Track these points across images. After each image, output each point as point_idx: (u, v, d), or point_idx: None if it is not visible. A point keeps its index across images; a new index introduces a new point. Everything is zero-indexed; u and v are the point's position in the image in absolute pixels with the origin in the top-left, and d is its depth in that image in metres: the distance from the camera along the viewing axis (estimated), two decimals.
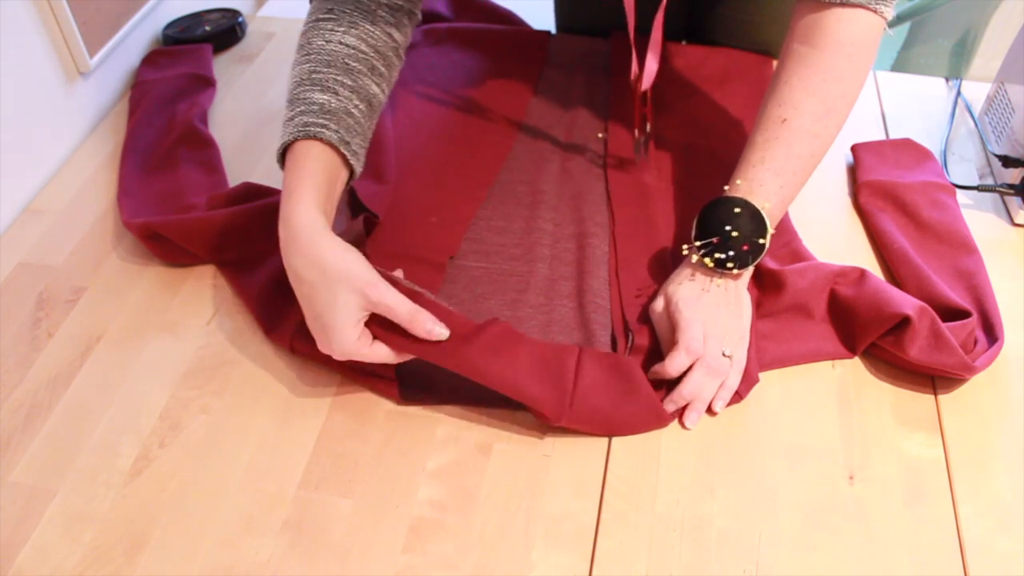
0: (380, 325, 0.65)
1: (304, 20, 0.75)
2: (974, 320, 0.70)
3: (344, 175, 0.71)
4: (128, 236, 0.84)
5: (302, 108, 0.69)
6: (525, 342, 0.66)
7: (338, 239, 0.64)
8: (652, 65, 0.81)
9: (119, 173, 0.91)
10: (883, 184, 0.85)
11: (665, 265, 0.78)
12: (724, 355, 0.67)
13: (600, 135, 0.94)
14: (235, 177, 0.90)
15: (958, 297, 0.72)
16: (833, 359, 0.72)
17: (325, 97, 0.69)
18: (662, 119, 0.96)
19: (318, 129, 0.67)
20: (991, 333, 0.71)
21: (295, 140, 0.68)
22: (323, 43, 0.72)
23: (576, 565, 0.59)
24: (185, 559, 0.60)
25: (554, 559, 0.59)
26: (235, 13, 1.14)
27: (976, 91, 1.00)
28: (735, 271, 0.70)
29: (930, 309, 0.68)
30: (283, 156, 0.69)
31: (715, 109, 0.97)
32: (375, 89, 0.73)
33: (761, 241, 0.70)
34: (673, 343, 0.68)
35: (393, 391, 0.69)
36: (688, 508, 0.62)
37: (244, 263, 0.80)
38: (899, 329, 0.68)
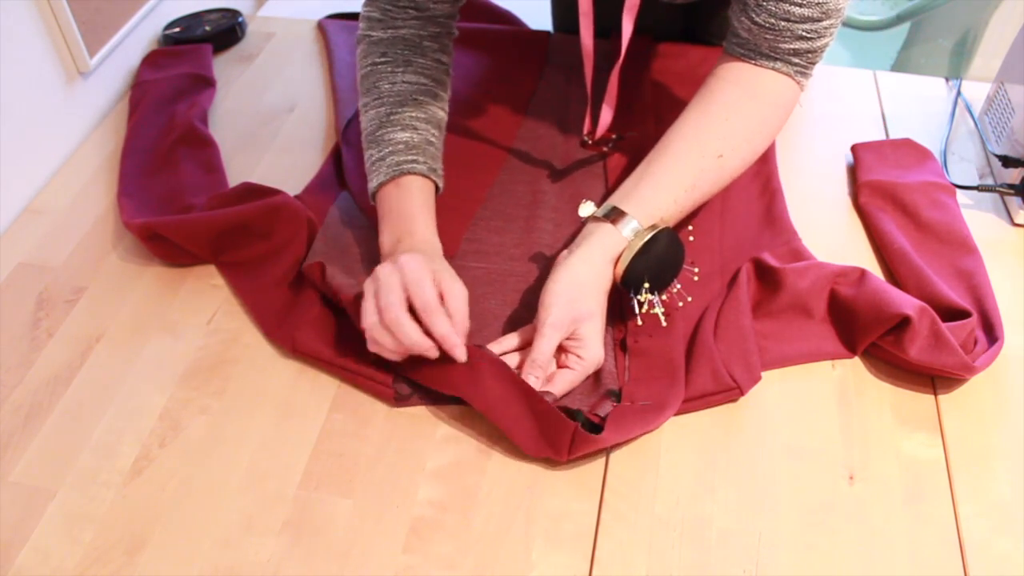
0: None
1: (359, 57, 0.83)
2: (974, 320, 0.70)
3: (433, 189, 0.79)
4: (128, 236, 0.84)
5: (390, 149, 0.77)
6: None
7: (415, 252, 0.70)
8: (607, 116, 0.84)
9: (119, 173, 0.91)
10: (883, 184, 0.85)
11: None
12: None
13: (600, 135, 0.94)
14: (235, 177, 0.90)
15: (958, 297, 0.72)
16: (833, 359, 0.72)
17: (407, 135, 0.78)
18: (662, 119, 0.95)
19: (410, 165, 0.76)
20: (991, 333, 0.71)
21: (392, 178, 0.76)
22: (389, 86, 0.80)
23: (576, 565, 0.59)
24: (185, 559, 0.60)
25: (554, 559, 0.59)
26: (235, 13, 1.14)
27: (976, 91, 1.00)
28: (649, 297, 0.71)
29: (930, 309, 0.68)
30: (376, 191, 0.77)
31: None
32: (441, 113, 0.82)
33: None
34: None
35: (388, 393, 0.69)
36: (688, 508, 0.62)
37: (244, 263, 0.80)
38: (899, 329, 0.68)
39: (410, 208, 0.75)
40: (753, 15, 0.72)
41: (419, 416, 0.68)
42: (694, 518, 0.62)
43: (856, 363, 0.72)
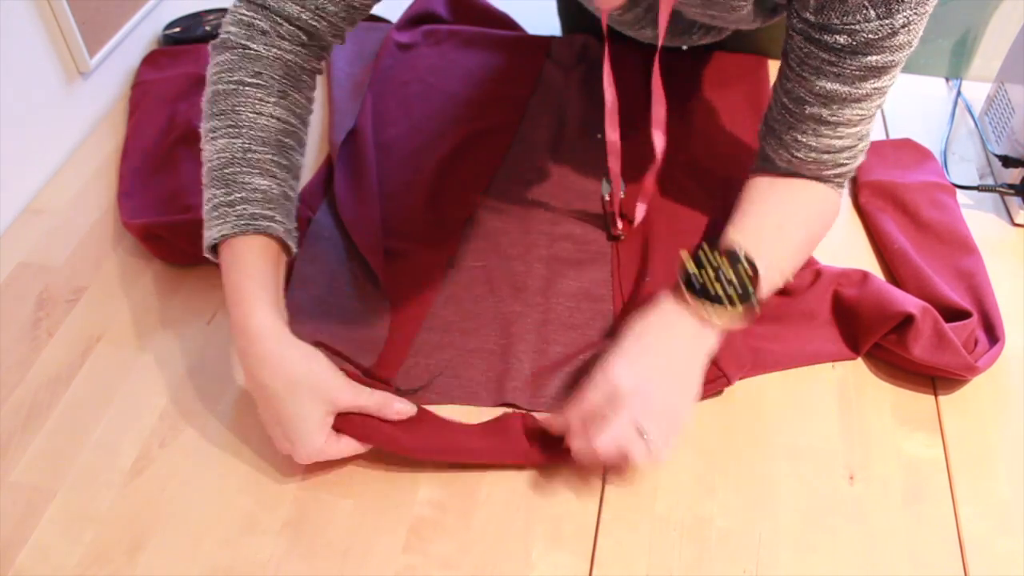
0: (342, 418, 0.64)
1: (218, 68, 0.69)
2: (975, 320, 0.70)
3: (285, 261, 0.68)
4: (128, 236, 0.84)
5: (243, 195, 0.65)
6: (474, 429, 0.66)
7: (301, 345, 0.63)
8: (640, 212, 0.81)
9: (119, 173, 0.91)
10: (883, 184, 0.85)
11: (667, 264, 0.78)
12: (638, 431, 0.60)
13: (599, 135, 0.94)
14: None
15: (958, 297, 0.72)
16: (836, 360, 0.72)
17: (266, 183, 0.66)
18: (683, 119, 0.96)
19: (266, 224, 0.65)
20: (992, 333, 0.71)
21: (244, 232, 0.64)
22: (254, 115, 0.68)
23: (576, 565, 0.59)
24: (185, 559, 0.60)
25: (554, 559, 0.59)
26: None
27: (976, 91, 1.00)
28: (723, 309, 0.63)
29: (932, 309, 0.68)
30: (217, 244, 0.65)
31: (715, 110, 0.96)
32: (300, 161, 0.72)
33: (750, 290, 0.64)
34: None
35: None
36: (688, 508, 0.62)
37: None
38: (902, 328, 0.68)
39: (251, 280, 0.63)
40: (794, 151, 0.71)
41: None
42: (694, 518, 0.62)
43: (856, 363, 0.72)
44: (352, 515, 0.62)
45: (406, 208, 0.85)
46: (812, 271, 0.75)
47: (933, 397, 0.69)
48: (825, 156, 0.71)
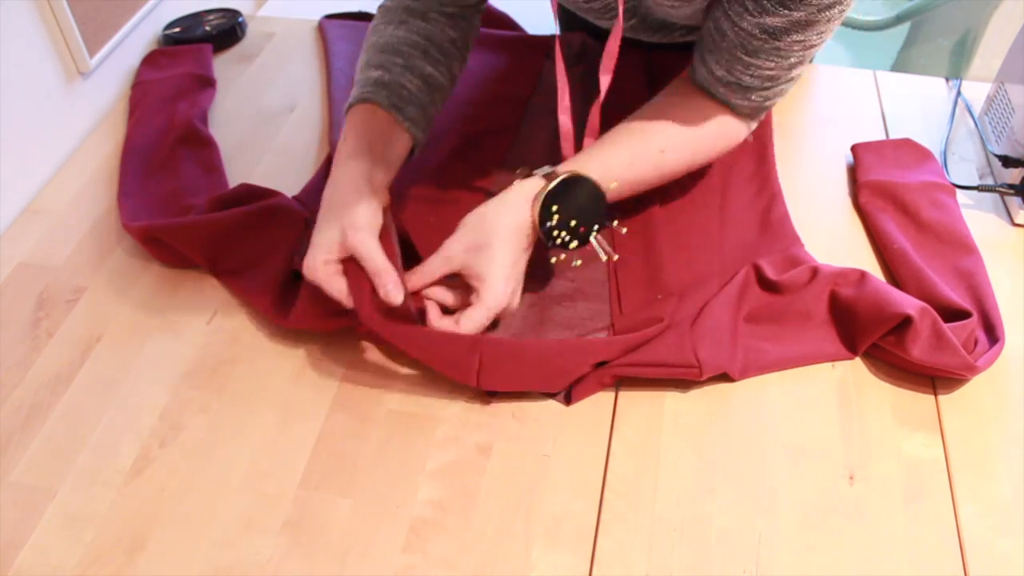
0: (353, 267, 0.69)
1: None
2: (974, 320, 0.70)
3: (403, 138, 0.77)
4: (128, 236, 0.84)
5: (359, 85, 0.77)
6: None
7: (358, 178, 0.71)
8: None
9: (119, 174, 0.91)
10: (883, 184, 0.85)
11: (664, 264, 0.78)
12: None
13: None
14: (235, 177, 0.90)
15: (958, 297, 0.72)
16: (834, 360, 0.72)
17: (378, 73, 0.77)
18: None
19: (369, 95, 0.75)
20: (992, 333, 0.71)
21: (351, 106, 0.76)
22: (376, 39, 0.80)
23: (576, 565, 0.59)
24: (185, 559, 0.60)
25: (554, 559, 0.60)
26: (235, 13, 1.14)
27: (976, 91, 1.00)
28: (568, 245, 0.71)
29: (931, 309, 0.68)
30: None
31: None
32: (430, 70, 0.79)
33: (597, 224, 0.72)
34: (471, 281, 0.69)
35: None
36: (688, 508, 0.62)
37: (242, 270, 0.79)
38: (901, 329, 0.68)
39: (344, 133, 0.74)
40: (707, 71, 0.74)
41: (419, 416, 0.69)
42: (694, 518, 0.62)
43: (856, 363, 0.72)
44: (352, 515, 0.62)
45: (406, 208, 0.85)
46: (808, 269, 0.75)
47: (933, 397, 0.69)
48: (733, 84, 0.74)
